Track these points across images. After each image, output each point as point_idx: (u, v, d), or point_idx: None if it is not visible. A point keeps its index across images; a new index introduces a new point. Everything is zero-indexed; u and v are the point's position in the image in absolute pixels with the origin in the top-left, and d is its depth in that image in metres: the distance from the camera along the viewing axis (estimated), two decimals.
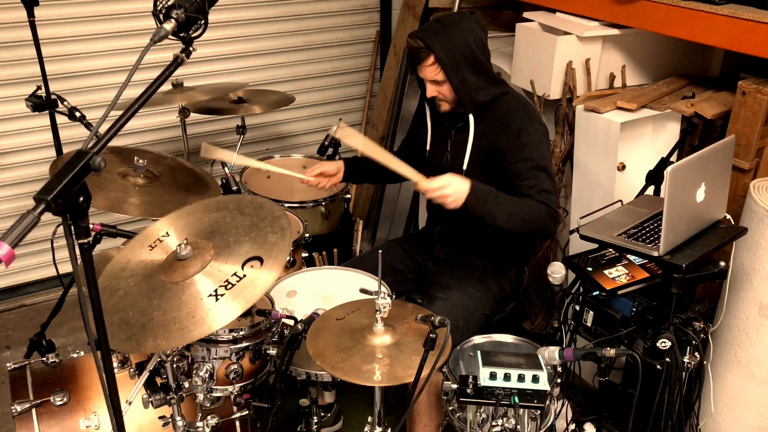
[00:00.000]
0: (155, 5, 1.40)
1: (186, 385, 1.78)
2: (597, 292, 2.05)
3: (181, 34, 1.33)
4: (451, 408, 1.98)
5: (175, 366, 1.73)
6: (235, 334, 1.80)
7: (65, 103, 2.55)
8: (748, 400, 2.23)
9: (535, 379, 1.82)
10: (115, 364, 1.94)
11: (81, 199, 1.16)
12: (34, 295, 3.48)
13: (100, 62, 3.23)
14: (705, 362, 2.26)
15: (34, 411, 1.83)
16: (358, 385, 1.63)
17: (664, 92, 2.69)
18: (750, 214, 2.11)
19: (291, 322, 1.84)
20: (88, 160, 1.15)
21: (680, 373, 1.98)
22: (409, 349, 1.70)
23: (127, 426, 1.46)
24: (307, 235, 2.56)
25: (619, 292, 2.04)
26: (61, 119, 2.64)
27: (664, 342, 1.91)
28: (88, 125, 2.56)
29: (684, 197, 1.90)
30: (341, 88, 3.95)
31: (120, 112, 1.27)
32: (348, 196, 2.90)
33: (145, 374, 1.71)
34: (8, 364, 1.98)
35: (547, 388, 1.83)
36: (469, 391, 1.83)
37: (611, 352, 1.83)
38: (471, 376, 1.84)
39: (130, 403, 1.68)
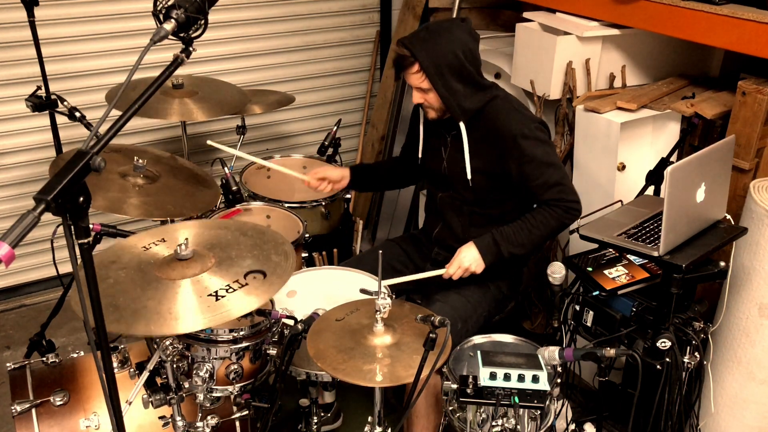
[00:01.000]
0: (155, 5, 1.40)
1: (186, 385, 1.78)
2: (597, 292, 2.05)
3: (181, 34, 1.33)
4: (451, 408, 1.98)
5: (175, 366, 1.73)
6: (235, 334, 1.80)
7: (65, 103, 2.55)
8: (747, 400, 2.23)
9: (535, 379, 1.82)
10: (115, 364, 1.94)
11: (81, 199, 1.16)
12: (34, 295, 3.48)
13: (100, 62, 3.23)
14: (705, 362, 2.26)
15: (34, 411, 1.83)
16: (357, 384, 1.63)
17: (664, 92, 2.69)
18: (750, 214, 2.11)
19: (291, 322, 1.84)
20: (88, 160, 1.15)
21: (680, 373, 1.98)
22: (410, 349, 1.70)
23: (127, 426, 1.46)
24: (307, 235, 2.56)
25: (619, 292, 2.04)
26: (61, 119, 2.64)
27: (664, 342, 1.91)
28: (88, 125, 2.56)
29: (684, 197, 1.90)
30: (341, 88, 3.95)
31: (120, 112, 1.27)
32: (348, 196, 2.90)
33: (145, 374, 1.71)
34: (8, 364, 1.98)
35: (547, 388, 1.83)
36: (469, 391, 1.83)
37: (611, 352, 1.83)
38: (471, 376, 1.84)
39: (130, 403, 1.68)
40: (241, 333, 1.80)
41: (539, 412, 1.88)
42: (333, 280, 2.28)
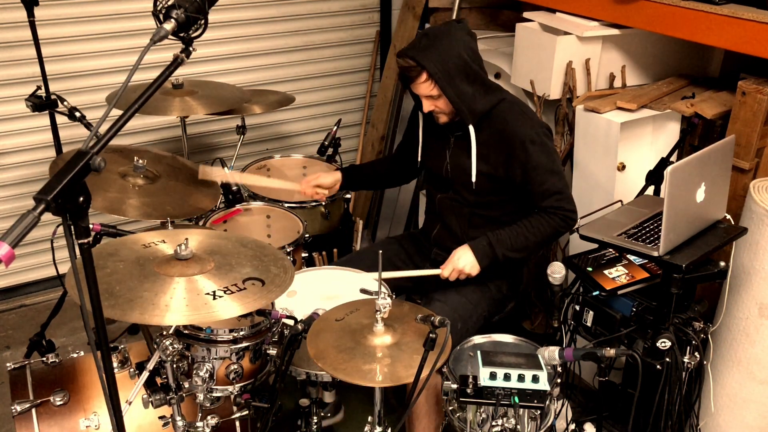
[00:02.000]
0: (155, 5, 1.40)
1: (186, 385, 1.78)
2: (597, 292, 2.05)
3: (181, 34, 1.33)
4: (451, 408, 1.98)
5: (175, 366, 1.73)
6: (235, 334, 1.80)
7: (65, 103, 2.55)
8: (747, 400, 2.23)
9: (535, 379, 1.82)
10: (115, 364, 1.94)
11: (81, 199, 1.16)
12: (34, 295, 3.48)
13: (100, 62, 3.23)
14: (705, 362, 2.26)
15: (34, 411, 1.83)
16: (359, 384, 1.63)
17: (664, 92, 2.69)
18: (750, 214, 2.11)
19: (291, 322, 1.84)
20: (88, 160, 1.15)
21: (680, 373, 1.98)
22: (410, 349, 1.70)
23: (127, 426, 1.46)
24: (307, 235, 2.56)
25: (619, 292, 2.04)
26: (61, 119, 2.63)
27: (664, 342, 1.91)
28: (88, 125, 2.56)
29: (684, 197, 1.90)
30: (341, 88, 3.95)
31: (120, 112, 1.27)
32: (348, 196, 2.90)
33: (145, 374, 1.71)
34: (8, 364, 1.98)
35: (547, 388, 1.83)
36: (469, 391, 1.83)
37: (611, 352, 1.83)
38: (471, 376, 1.84)
39: (130, 403, 1.68)
40: (241, 333, 1.80)
41: (539, 412, 1.88)
42: (333, 280, 2.28)
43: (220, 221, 2.58)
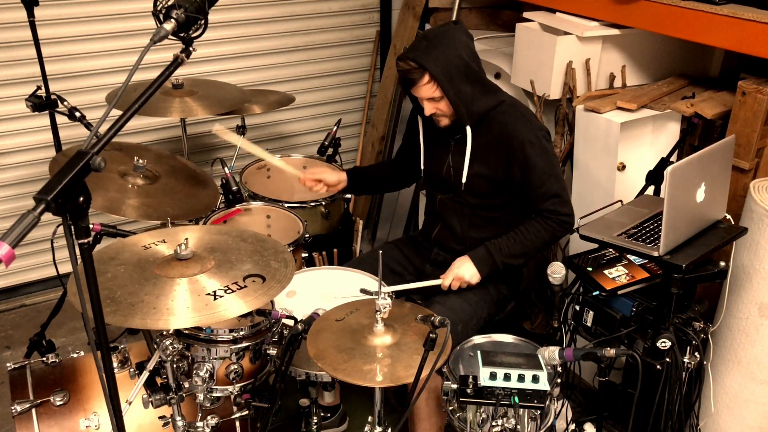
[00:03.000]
0: (155, 5, 1.40)
1: (186, 385, 1.78)
2: (597, 292, 2.05)
3: (181, 34, 1.33)
4: (451, 408, 1.98)
5: (175, 366, 1.73)
6: (235, 334, 1.80)
7: (65, 103, 2.55)
8: (748, 400, 2.23)
9: (535, 379, 1.82)
10: (115, 364, 1.94)
11: (81, 199, 1.16)
12: (34, 295, 3.48)
13: (100, 62, 3.23)
14: (705, 362, 2.26)
15: (34, 411, 1.83)
16: (358, 384, 1.63)
17: (664, 92, 2.69)
18: (750, 214, 2.11)
19: (291, 322, 1.84)
20: (88, 160, 1.15)
21: (680, 373, 1.98)
22: (410, 349, 1.70)
23: (127, 426, 1.46)
24: (307, 235, 2.56)
25: (619, 292, 2.04)
26: (61, 119, 2.63)
27: (664, 342, 1.91)
28: (88, 125, 2.55)
29: (684, 197, 1.90)
30: (341, 88, 3.95)
31: (120, 112, 1.27)
32: (348, 196, 2.90)
33: (145, 374, 1.71)
34: (8, 364, 1.98)
35: (547, 388, 1.83)
36: (469, 391, 1.82)
37: (611, 352, 1.83)
38: (471, 376, 1.84)
39: (130, 403, 1.68)
40: (241, 333, 1.80)
41: (539, 412, 1.88)
42: (333, 280, 2.28)
43: (220, 221, 2.58)
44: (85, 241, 1.20)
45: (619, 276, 2.08)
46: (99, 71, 3.24)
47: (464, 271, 2.21)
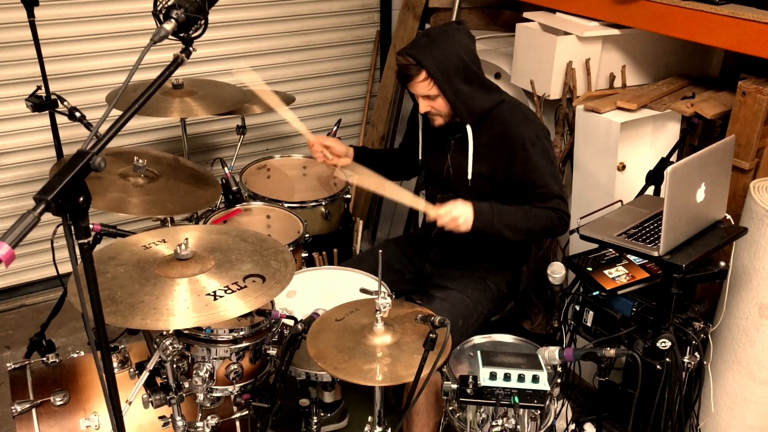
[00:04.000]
0: (155, 5, 1.40)
1: (186, 385, 1.78)
2: (597, 292, 2.05)
3: (181, 34, 1.33)
4: (451, 408, 1.98)
5: (175, 366, 1.73)
6: (235, 334, 1.80)
7: (65, 103, 2.55)
8: (748, 400, 2.23)
9: (535, 379, 1.82)
10: (115, 364, 1.94)
11: (81, 199, 1.16)
12: (34, 295, 3.48)
13: (100, 62, 3.23)
14: (705, 362, 2.26)
15: (34, 411, 1.83)
16: (359, 384, 1.63)
17: (664, 92, 2.69)
18: (750, 214, 2.11)
19: (291, 322, 1.84)
20: (88, 160, 1.15)
21: (680, 373, 1.98)
22: (410, 349, 1.70)
23: (127, 426, 1.46)
24: (307, 235, 2.56)
25: (619, 292, 2.04)
26: (61, 119, 2.63)
27: (664, 342, 1.91)
28: (88, 125, 2.55)
29: (684, 197, 1.90)
30: (341, 88, 3.95)
31: (120, 112, 1.27)
32: (348, 196, 2.90)
33: (145, 374, 1.71)
34: (8, 364, 1.98)
35: (547, 388, 1.83)
36: (469, 391, 1.83)
37: (611, 352, 1.83)
38: (471, 376, 1.84)
39: (130, 403, 1.68)
40: (241, 333, 1.80)
41: (539, 412, 1.88)
42: (333, 280, 2.28)
43: (221, 221, 2.58)
44: (85, 241, 1.19)
45: (619, 276, 2.08)
46: (99, 71, 3.24)
47: (461, 211, 2.10)
